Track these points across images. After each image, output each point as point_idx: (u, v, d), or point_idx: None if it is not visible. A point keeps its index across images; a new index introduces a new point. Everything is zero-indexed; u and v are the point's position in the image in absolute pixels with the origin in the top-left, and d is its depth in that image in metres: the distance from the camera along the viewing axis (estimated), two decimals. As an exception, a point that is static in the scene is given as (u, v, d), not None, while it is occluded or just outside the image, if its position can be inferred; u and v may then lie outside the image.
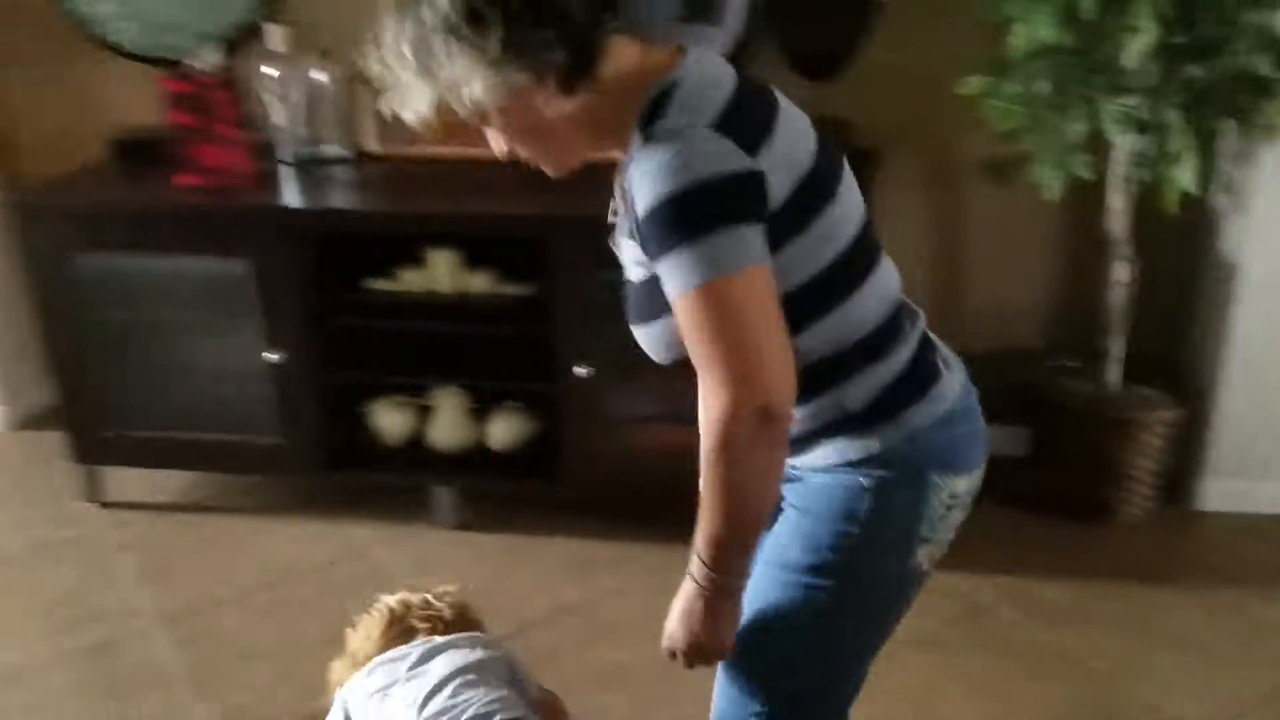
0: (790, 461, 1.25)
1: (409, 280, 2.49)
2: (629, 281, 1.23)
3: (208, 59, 2.57)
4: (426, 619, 1.50)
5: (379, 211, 2.54)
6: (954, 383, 1.27)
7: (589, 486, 2.54)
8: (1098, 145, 2.29)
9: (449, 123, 1.18)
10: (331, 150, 2.70)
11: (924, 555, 1.25)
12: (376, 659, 1.44)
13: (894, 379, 1.22)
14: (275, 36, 2.64)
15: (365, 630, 1.51)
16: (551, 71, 1.12)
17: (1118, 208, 2.41)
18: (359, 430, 2.60)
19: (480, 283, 2.48)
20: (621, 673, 2.08)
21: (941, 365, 1.28)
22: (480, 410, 2.59)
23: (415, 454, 2.58)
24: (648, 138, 1.11)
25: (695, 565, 1.18)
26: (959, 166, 2.67)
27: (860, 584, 1.25)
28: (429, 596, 1.54)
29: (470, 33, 1.09)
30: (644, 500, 2.53)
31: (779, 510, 1.29)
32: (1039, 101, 2.24)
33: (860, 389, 1.21)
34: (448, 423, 2.57)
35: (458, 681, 1.37)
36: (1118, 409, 2.50)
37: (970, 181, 2.62)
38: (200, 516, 2.68)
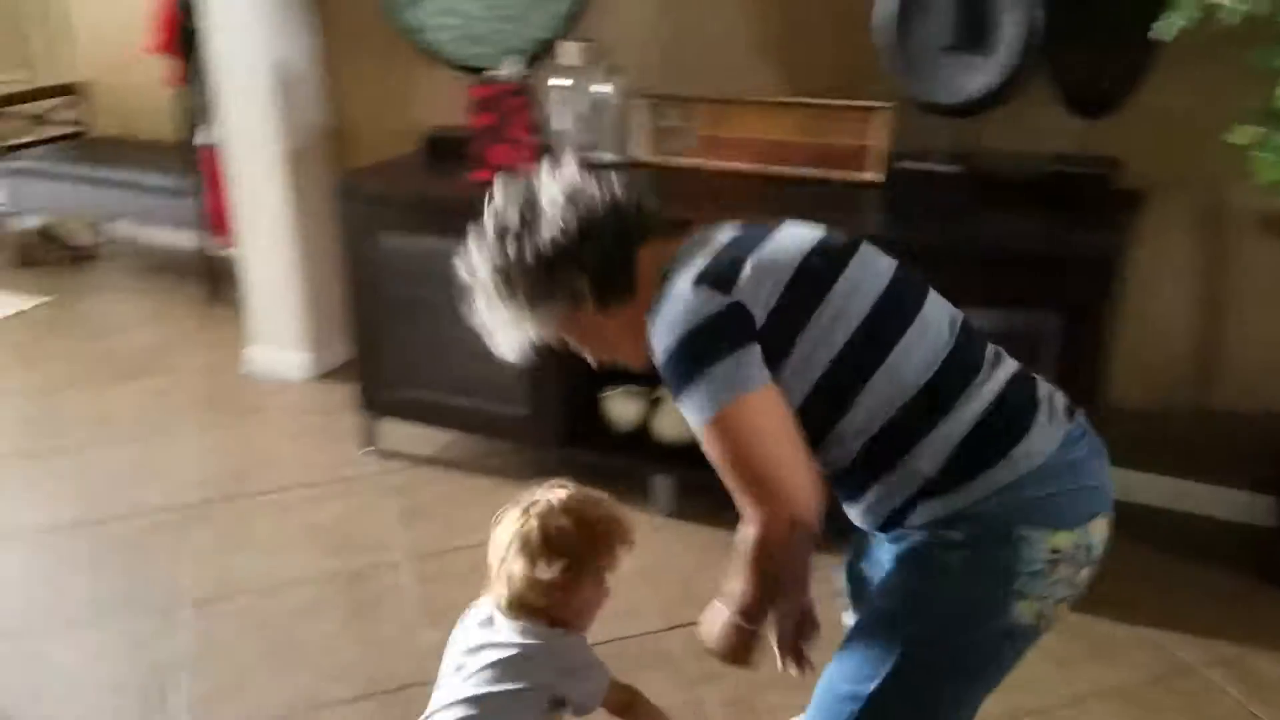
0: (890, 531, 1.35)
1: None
2: None
3: (509, 69, 2.87)
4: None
5: None
6: (1046, 439, 1.28)
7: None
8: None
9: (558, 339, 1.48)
10: (606, 156, 2.95)
11: (1027, 611, 1.27)
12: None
13: (963, 437, 1.26)
14: (569, 52, 2.91)
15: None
16: (585, 298, 1.39)
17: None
18: (594, 414, 2.82)
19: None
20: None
21: (1033, 417, 1.29)
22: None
23: (641, 442, 2.77)
24: (650, 311, 1.32)
25: (726, 604, 1.41)
26: (1229, 213, 2.55)
27: (954, 639, 1.29)
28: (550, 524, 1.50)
29: (506, 293, 1.40)
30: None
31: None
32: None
33: (930, 450, 1.27)
34: (674, 417, 2.73)
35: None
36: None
37: (1241, 230, 2.50)
38: (453, 472, 2.99)
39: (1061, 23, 2.34)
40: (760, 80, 2.87)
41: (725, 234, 1.38)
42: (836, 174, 2.73)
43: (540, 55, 3.06)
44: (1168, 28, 2.08)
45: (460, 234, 2.77)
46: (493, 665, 1.50)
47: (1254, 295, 2.61)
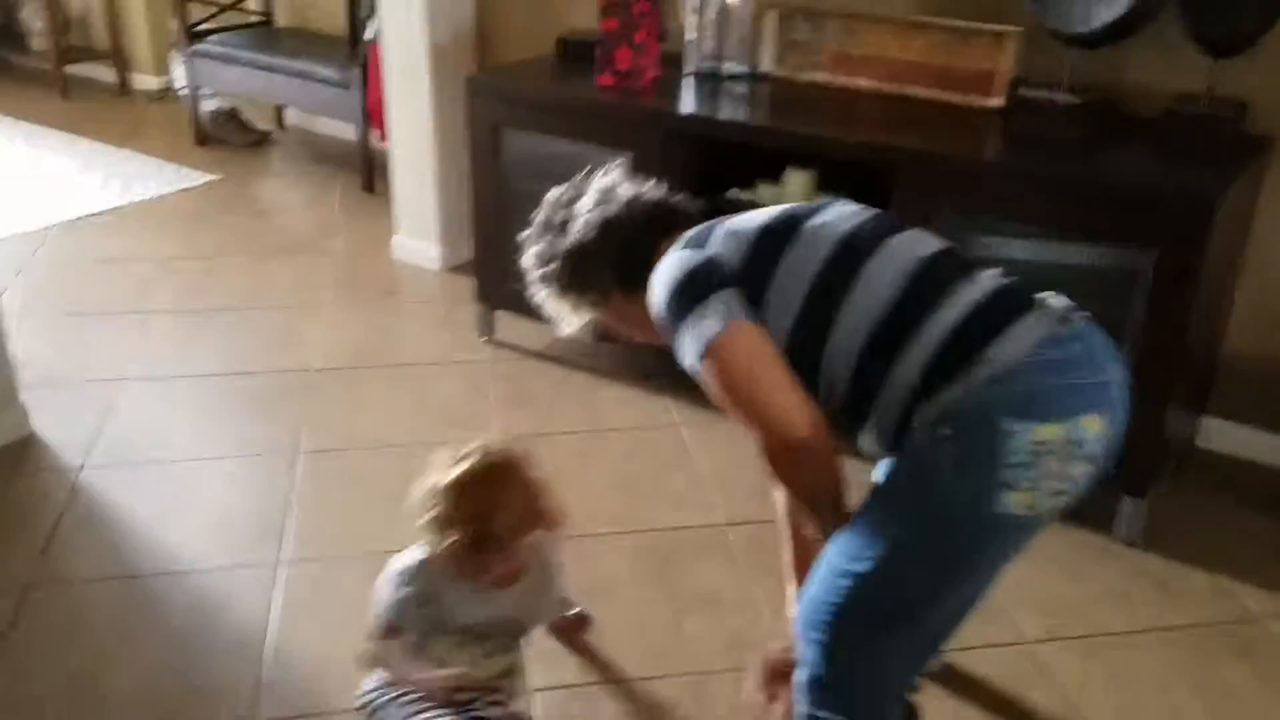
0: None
1: (764, 194, 2.73)
2: None
3: (642, -26, 2.93)
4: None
5: (748, 124, 2.74)
6: (1026, 338, 1.31)
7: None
8: None
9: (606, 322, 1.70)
10: (731, 67, 2.98)
11: (1015, 502, 1.30)
12: None
13: (941, 342, 1.33)
14: (701, -41, 2.94)
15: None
16: (612, 288, 1.61)
17: None
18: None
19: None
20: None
21: (1015, 321, 1.33)
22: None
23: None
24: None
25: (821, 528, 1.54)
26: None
27: (943, 528, 1.35)
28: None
29: (548, 280, 1.65)
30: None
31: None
32: None
33: (912, 360, 1.34)
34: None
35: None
36: None
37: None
38: (554, 367, 3.15)
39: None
40: (892, 0, 2.84)
41: (718, 220, 1.56)
42: (959, 98, 2.70)
43: (675, -38, 3.09)
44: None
45: (579, 136, 2.91)
46: None
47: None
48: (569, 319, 1.69)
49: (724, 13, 2.95)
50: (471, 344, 3.26)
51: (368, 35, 4.11)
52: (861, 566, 1.37)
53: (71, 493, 2.48)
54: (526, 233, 1.71)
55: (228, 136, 5.08)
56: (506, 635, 1.73)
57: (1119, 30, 2.36)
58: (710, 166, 2.77)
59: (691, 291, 1.44)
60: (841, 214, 1.49)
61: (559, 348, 3.21)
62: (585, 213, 1.61)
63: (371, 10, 3.96)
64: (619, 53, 2.87)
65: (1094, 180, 2.23)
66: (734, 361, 1.40)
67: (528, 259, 1.69)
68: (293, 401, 2.91)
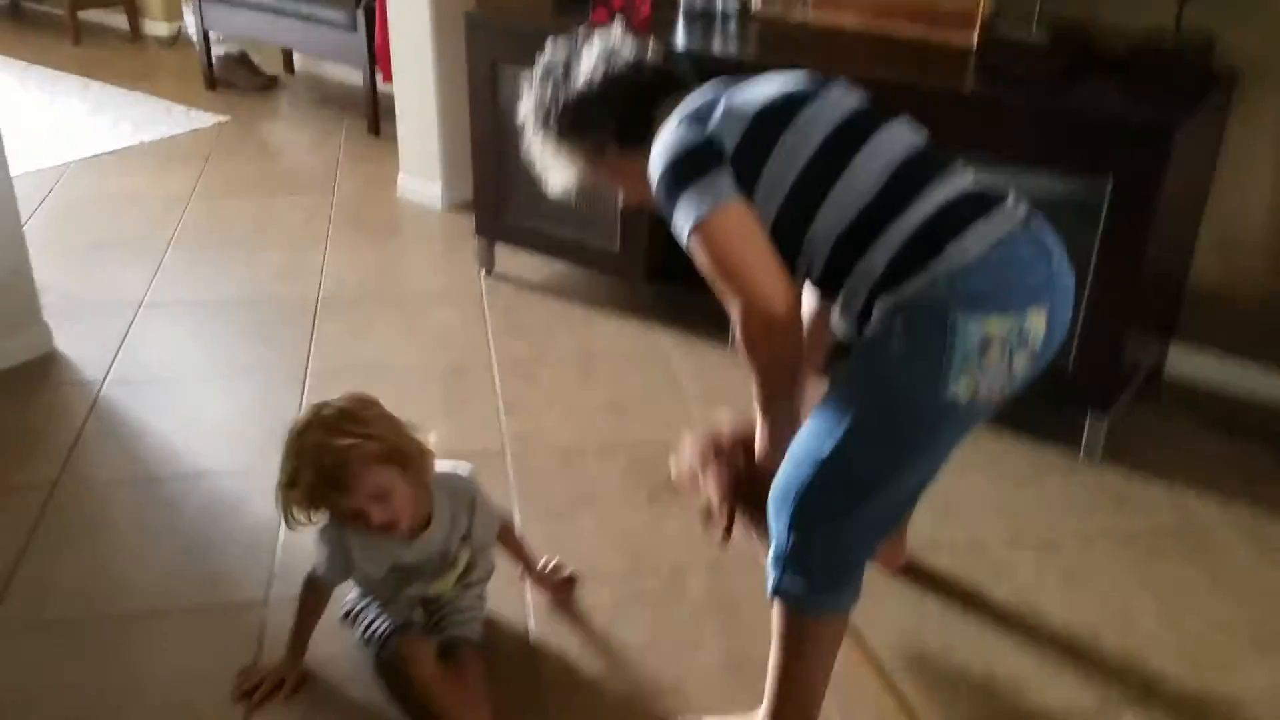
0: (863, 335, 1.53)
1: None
2: None
3: (636, -85, 3.02)
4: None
5: (738, 60, 2.81)
6: (983, 237, 1.42)
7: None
8: None
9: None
10: (723, 5, 3.08)
11: (963, 389, 1.42)
12: None
13: (909, 236, 1.44)
14: (692, -102, 3.03)
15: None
16: (609, 140, 1.66)
17: None
18: (678, 253, 3.00)
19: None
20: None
21: (976, 221, 1.43)
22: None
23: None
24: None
25: (758, 414, 1.67)
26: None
27: (896, 412, 1.47)
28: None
29: (544, 129, 1.69)
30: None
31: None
32: None
33: (881, 249, 1.45)
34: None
35: None
36: None
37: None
38: (550, 299, 3.27)
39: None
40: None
41: (718, 83, 1.63)
42: (937, 35, 2.80)
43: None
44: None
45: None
46: None
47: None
48: (560, 172, 1.73)
49: (716, -47, 3.05)
50: (471, 277, 3.39)
51: (373, -21, 4.21)
52: (824, 447, 1.50)
53: (93, 405, 2.63)
54: (524, 85, 1.75)
55: (237, 81, 5.19)
56: (444, 562, 1.86)
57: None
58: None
59: (688, 169, 1.51)
60: (836, 100, 1.57)
61: (557, 281, 3.34)
62: (590, 65, 1.65)
63: (376, -46, 4.06)
64: (613, -10, 2.98)
65: (1058, 112, 2.34)
66: (723, 239, 1.48)
67: (525, 104, 1.73)
68: (296, 329, 3.04)
